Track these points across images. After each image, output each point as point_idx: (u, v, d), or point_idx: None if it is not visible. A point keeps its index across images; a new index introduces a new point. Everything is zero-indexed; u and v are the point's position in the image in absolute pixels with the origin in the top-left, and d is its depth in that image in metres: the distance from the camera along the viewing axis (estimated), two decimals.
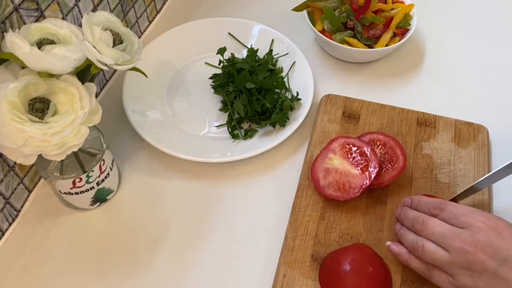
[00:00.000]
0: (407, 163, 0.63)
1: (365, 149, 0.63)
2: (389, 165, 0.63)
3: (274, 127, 0.71)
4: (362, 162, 0.63)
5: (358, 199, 0.63)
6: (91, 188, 0.60)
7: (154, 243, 0.62)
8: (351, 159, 0.63)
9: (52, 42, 0.49)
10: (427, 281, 0.54)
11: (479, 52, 0.84)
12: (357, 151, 0.64)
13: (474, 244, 0.48)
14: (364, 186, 0.61)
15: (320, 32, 0.80)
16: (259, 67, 0.74)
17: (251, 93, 0.71)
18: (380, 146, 0.65)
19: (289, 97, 0.74)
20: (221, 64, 0.77)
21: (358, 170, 0.62)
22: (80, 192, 0.60)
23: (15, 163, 0.59)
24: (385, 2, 0.83)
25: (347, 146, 0.65)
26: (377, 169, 0.61)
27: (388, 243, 0.57)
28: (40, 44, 0.48)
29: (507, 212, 0.63)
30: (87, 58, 0.49)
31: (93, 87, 0.51)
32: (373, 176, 0.61)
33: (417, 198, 0.58)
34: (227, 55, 0.78)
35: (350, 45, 0.79)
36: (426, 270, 0.52)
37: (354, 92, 0.76)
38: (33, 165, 0.63)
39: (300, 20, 0.86)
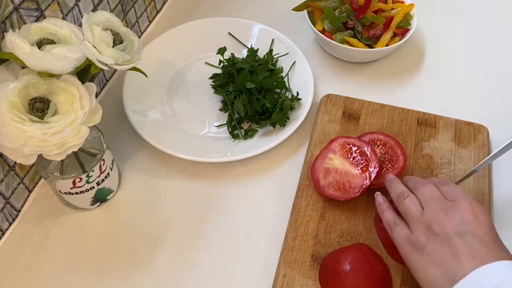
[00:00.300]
0: (407, 163, 0.63)
1: (365, 149, 0.63)
2: (389, 165, 0.63)
3: (274, 127, 0.71)
4: (362, 162, 0.63)
5: (358, 199, 0.63)
6: (91, 188, 0.60)
7: (154, 243, 0.62)
8: (351, 159, 0.63)
9: (52, 42, 0.49)
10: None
11: (479, 52, 0.84)
12: (357, 151, 0.64)
13: (448, 213, 0.50)
14: (364, 186, 0.61)
15: (320, 32, 0.80)
16: (259, 67, 0.74)
17: (251, 93, 0.71)
18: (381, 146, 0.65)
19: (289, 97, 0.74)
20: (221, 64, 0.77)
21: (358, 170, 0.62)
22: (80, 192, 0.60)
23: (15, 163, 0.59)
24: (385, 2, 0.83)
25: (347, 146, 0.65)
26: (377, 169, 0.61)
27: (378, 193, 0.59)
28: (40, 44, 0.48)
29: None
30: (87, 58, 0.49)
31: (93, 87, 0.51)
32: (373, 176, 0.61)
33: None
34: (227, 55, 0.78)
35: (350, 45, 0.79)
36: (393, 223, 0.54)
37: (354, 92, 0.76)
38: (33, 165, 0.63)
39: (300, 20, 0.86)
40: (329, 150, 0.65)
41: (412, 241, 0.50)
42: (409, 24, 0.81)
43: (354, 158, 0.63)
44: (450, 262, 0.47)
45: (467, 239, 0.48)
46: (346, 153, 0.64)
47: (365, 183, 0.61)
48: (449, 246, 0.48)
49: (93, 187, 0.60)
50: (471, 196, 0.53)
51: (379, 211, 0.57)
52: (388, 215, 0.55)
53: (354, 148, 0.64)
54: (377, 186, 0.62)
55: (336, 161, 0.64)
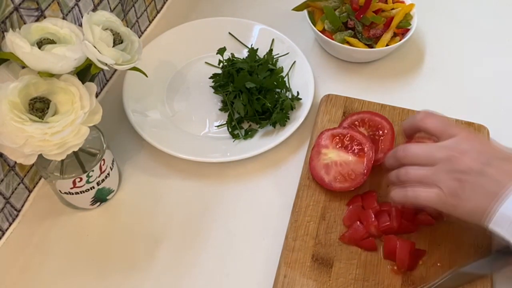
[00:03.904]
0: (392, 125, 0.67)
1: (353, 133, 0.65)
2: (382, 134, 0.66)
3: (274, 127, 0.71)
4: (355, 146, 0.64)
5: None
6: (91, 188, 0.60)
7: (154, 243, 0.61)
8: (344, 148, 0.65)
9: (52, 41, 0.49)
10: (426, 282, 0.54)
11: (479, 52, 0.84)
12: (347, 138, 0.65)
13: (459, 150, 0.51)
14: (368, 169, 0.62)
15: (320, 31, 0.80)
16: (259, 67, 0.74)
17: (251, 93, 0.71)
18: (361, 124, 0.68)
19: (290, 96, 0.73)
20: (221, 64, 0.77)
21: (355, 156, 0.63)
22: (80, 192, 0.59)
23: (16, 162, 0.59)
24: (386, 2, 0.83)
25: (334, 136, 0.66)
26: (372, 146, 0.63)
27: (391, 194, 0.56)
28: (40, 43, 0.48)
29: None
30: (88, 57, 0.49)
31: (93, 86, 0.51)
32: (372, 155, 0.63)
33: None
34: (227, 55, 0.78)
35: (351, 45, 0.78)
36: (416, 191, 0.52)
37: (354, 92, 0.76)
38: (33, 165, 0.63)
39: (300, 20, 0.86)
40: (320, 146, 0.66)
41: (448, 194, 0.50)
42: (409, 24, 0.81)
43: (346, 146, 0.65)
44: (495, 189, 0.48)
45: (497, 164, 0.49)
46: (337, 144, 0.65)
47: (368, 166, 0.62)
48: (486, 178, 0.49)
49: (93, 187, 0.60)
50: (457, 124, 0.55)
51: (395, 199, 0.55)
52: (399, 195, 0.54)
53: (342, 137, 0.65)
54: (383, 157, 0.64)
55: (332, 154, 0.64)
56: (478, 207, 0.49)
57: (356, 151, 0.64)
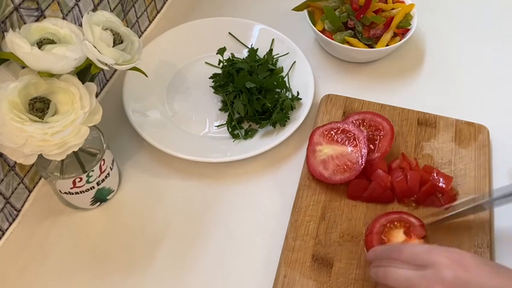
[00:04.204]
0: (392, 125, 0.67)
1: (343, 125, 0.66)
2: (381, 134, 0.66)
3: (274, 127, 0.71)
4: (348, 137, 0.65)
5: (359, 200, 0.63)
6: (91, 188, 0.60)
7: (154, 243, 0.61)
8: (337, 141, 0.65)
9: (52, 41, 0.49)
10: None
11: (479, 52, 0.84)
12: (338, 132, 0.66)
13: (442, 282, 0.45)
14: (364, 155, 0.62)
15: (320, 31, 0.80)
16: (259, 67, 0.74)
17: (251, 93, 0.71)
18: (361, 123, 0.68)
19: (290, 96, 0.73)
20: (221, 64, 0.77)
21: (349, 146, 0.64)
22: (80, 192, 0.59)
23: (16, 162, 0.59)
24: (386, 2, 0.83)
25: (326, 132, 0.66)
26: (365, 136, 0.64)
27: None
28: (40, 43, 0.48)
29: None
30: (88, 57, 0.49)
31: (93, 86, 0.51)
32: (365, 142, 0.63)
33: (372, 250, 0.55)
34: (227, 55, 0.78)
35: (351, 45, 0.78)
36: None
37: (354, 92, 0.76)
38: (33, 165, 0.63)
39: (300, 20, 0.86)
40: (314, 144, 0.66)
41: None
42: (409, 24, 0.81)
43: (339, 139, 0.65)
44: None
45: None
46: (330, 139, 0.65)
47: (363, 153, 0.63)
48: None
49: (93, 187, 0.60)
50: (432, 246, 0.49)
51: None
52: None
53: (334, 131, 0.66)
54: (383, 155, 0.65)
55: (326, 150, 0.65)
56: None
57: (348, 141, 0.64)
